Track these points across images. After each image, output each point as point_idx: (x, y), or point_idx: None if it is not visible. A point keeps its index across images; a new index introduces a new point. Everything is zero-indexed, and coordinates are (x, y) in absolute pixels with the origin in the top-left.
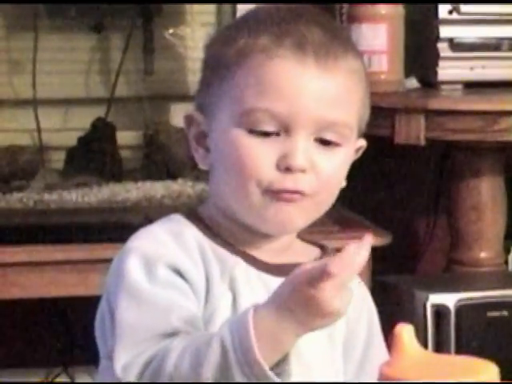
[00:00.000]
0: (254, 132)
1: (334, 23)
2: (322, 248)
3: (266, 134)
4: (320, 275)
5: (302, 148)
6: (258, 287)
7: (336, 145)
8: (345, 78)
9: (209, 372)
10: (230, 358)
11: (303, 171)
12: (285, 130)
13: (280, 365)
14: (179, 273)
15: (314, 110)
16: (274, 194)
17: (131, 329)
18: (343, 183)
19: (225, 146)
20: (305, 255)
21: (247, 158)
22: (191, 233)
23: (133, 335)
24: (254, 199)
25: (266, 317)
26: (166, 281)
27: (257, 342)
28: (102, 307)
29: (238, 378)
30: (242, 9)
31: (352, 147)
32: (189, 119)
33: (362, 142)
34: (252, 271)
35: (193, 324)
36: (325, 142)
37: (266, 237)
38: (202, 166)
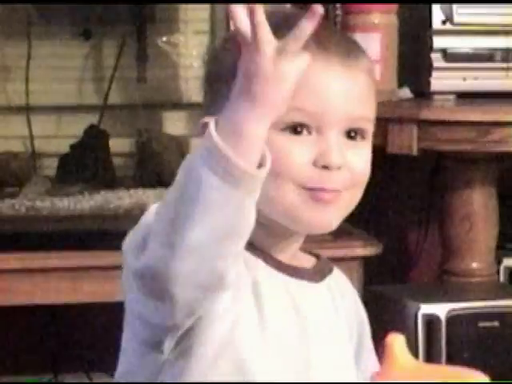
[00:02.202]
0: (285, 131)
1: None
2: (317, 256)
3: (298, 133)
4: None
5: (337, 145)
6: (282, 291)
7: (362, 139)
8: (364, 76)
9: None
10: (196, 156)
11: (339, 168)
12: (316, 128)
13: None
14: None
15: (343, 106)
16: (312, 192)
17: None
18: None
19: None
20: (306, 261)
21: (283, 156)
22: None
23: None
24: (290, 198)
25: (222, 116)
26: None
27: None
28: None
29: (207, 178)
30: None
31: (371, 143)
32: (206, 127)
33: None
34: (274, 273)
35: None
36: (351, 137)
37: (286, 239)
38: None
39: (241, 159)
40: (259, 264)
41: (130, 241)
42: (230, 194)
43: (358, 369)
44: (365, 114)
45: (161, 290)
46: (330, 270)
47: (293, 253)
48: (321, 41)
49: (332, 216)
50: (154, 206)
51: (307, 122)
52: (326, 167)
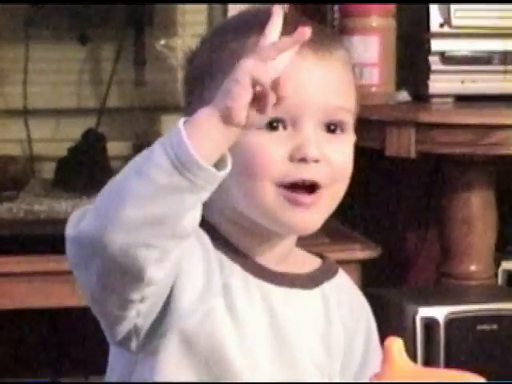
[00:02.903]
0: (260, 128)
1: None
2: (323, 258)
3: (274, 129)
4: None
5: (313, 138)
6: (257, 298)
7: (341, 131)
8: (341, 67)
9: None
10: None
11: (317, 161)
12: (291, 121)
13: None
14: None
15: (318, 97)
16: (291, 194)
17: None
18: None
19: (232, 148)
20: (305, 265)
21: (258, 154)
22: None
23: None
24: (269, 199)
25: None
26: None
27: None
28: None
29: (157, 152)
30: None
31: (353, 136)
32: None
33: (354, 137)
34: (251, 280)
35: None
36: (331, 130)
37: (269, 240)
38: None
39: (194, 148)
40: (235, 269)
41: (72, 216)
42: (174, 180)
43: (363, 376)
44: (342, 104)
45: (91, 255)
46: (334, 274)
47: (280, 256)
48: (291, 33)
49: (313, 217)
50: None
51: (282, 115)
52: (302, 160)
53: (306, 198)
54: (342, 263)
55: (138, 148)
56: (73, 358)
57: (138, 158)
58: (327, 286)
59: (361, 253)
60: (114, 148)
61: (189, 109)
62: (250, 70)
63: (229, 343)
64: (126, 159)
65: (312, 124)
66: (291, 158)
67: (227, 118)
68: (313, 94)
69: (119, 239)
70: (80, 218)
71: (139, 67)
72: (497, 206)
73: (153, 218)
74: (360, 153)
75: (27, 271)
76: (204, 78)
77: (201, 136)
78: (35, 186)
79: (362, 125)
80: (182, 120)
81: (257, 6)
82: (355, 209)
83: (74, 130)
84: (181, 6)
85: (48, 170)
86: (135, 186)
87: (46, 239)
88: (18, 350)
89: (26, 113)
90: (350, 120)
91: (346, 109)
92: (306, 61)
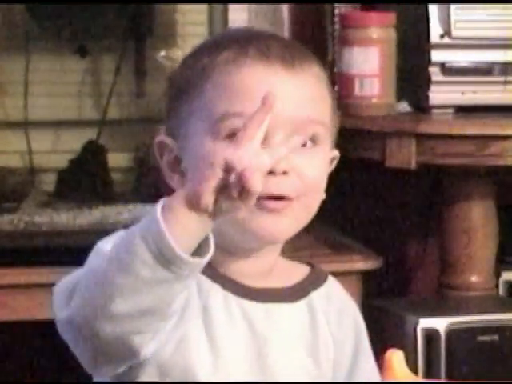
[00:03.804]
0: (227, 140)
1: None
2: (312, 266)
3: None
4: None
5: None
6: (237, 316)
7: (313, 144)
8: (312, 81)
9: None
10: (135, 232)
11: (285, 173)
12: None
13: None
14: None
15: (288, 109)
16: (258, 201)
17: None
18: (323, 194)
19: (201, 160)
20: (292, 276)
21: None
22: None
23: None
24: None
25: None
26: None
27: (162, 218)
28: None
29: (139, 247)
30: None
31: (328, 150)
32: (160, 146)
33: (336, 153)
34: (231, 298)
35: None
36: (302, 143)
37: (247, 258)
38: None
39: (175, 242)
40: (214, 288)
41: (61, 283)
42: (160, 274)
43: (353, 377)
44: (314, 116)
45: (84, 339)
46: (323, 282)
47: (261, 273)
48: (262, 48)
49: (281, 226)
50: (101, 244)
51: None
52: (271, 172)
53: (273, 203)
54: (343, 274)
55: (138, 160)
56: (72, 369)
57: (119, 249)
58: (315, 295)
59: (362, 264)
60: (115, 159)
61: (168, 123)
62: (223, 153)
63: (201, 366)
64: (126, 171)
65: (281, 135)
66: None
67: (193, 202)
68: (283, 106)
69: (110, 329)
70: (66, 300)
71: (139, 79)
72: (498, 216)
73: (143, 310)
74: (360, 163)
75: (27, 283)
76: (179, 95)
77: (178, 225)
78: (36, 197)
79: (363, 136)
80: (159, 207)
81: (235, 27)
82: (356, 220)
83: (74, 142)
84: (181, 18)
85: (48, 182)
86: (121, 281)
87: (47, 251)
88: (19, 361)
89: (26, 124)
90: (322, 133)
91: (317, 121)
92: (277, 75)
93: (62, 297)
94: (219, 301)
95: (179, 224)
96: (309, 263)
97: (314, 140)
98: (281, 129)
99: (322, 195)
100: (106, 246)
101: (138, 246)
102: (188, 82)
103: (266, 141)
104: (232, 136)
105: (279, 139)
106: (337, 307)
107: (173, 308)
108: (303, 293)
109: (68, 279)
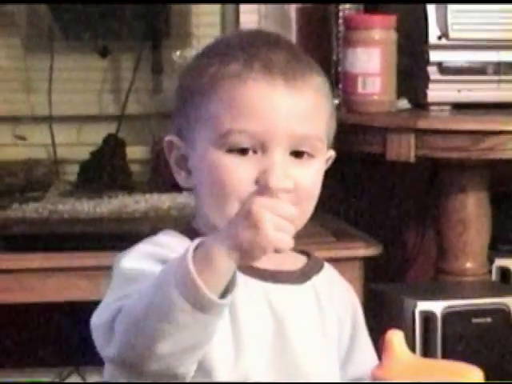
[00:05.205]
0: (232, 151)
1: (295, 45)
2: (308, 255)
3: (244, 153)
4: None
5: (280, 164)
6: (259, 298)
7: (310, 157)
8: (312, 94)
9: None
10: (170, 281)
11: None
12: (261, 147)
13: (225, 296)
14: None
15: (286, 126)
16: None
17: (110, 295)
18: (317, 199)
19: (205, 168)
20: (292, 263)
21: (227, 175)
22: (184, 245)
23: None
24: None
25: (204, 244)
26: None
27: (194, 264)
28: None
29: (179, 303)
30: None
31: (323, 158)
32: (169, 144)
33: (331, 153)
34: (248, 280)
35: None
36: (299, 155)
37: None
38: (184, 187)
39: (210, 290)
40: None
41: (97, 317)
42: (198, 318)
43: (351, 357)
44: (311, 132)
45: (131, 374)
46: (320, 268)
47: (272, 255)
48: (266, 62)
49: None
50: (120, 256)
51: (250, 144)
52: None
53: None
54: (346, 260)
55: (155, 152)
56: (93, 347)
57: (155, 298)
58: (316, 280)
59: (363, 250)
60: (133, 152)
61: (175, 121)
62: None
63: (223, 346)
64: (143, 162)
65: (280, 150)
66: (257, 182)
67: (243, 255)
68: (281, 122)
69: (156, 367)
70: (107, 336)
71: (156, 76)
72: (490, 207)
73: (185, 348)
74: (363, 157)
75: (51, 267)
76: (187, 98)
77: (216, 275)
78: (59, 187)
79: (365, 131)
80: (190, 255)
81: (240, 30)
82: (358, 209)
83: (95, 135)
84: (195, 20)
85: (71, 173)
86: (162, 327)
87: (69, 237)
88: (42, 340)
89: (50, 119)
90: (319, 145)
91: (314, 137)
92: (277, 89)
93: (102, 332)
94: (240, 283)
95: (217, 274)
96: (304, 252)
97: (311, 154)
98: (279, 143)
99: (315, 201)
100: (127, 264)
101: (175, 296)
102: (196, 88)
103: (265, 153)
104: (234, 150)
105: (277, 153)
106: (336, 289)
107: (212, 335)
108: (307, 277)
109: (104, 312)
